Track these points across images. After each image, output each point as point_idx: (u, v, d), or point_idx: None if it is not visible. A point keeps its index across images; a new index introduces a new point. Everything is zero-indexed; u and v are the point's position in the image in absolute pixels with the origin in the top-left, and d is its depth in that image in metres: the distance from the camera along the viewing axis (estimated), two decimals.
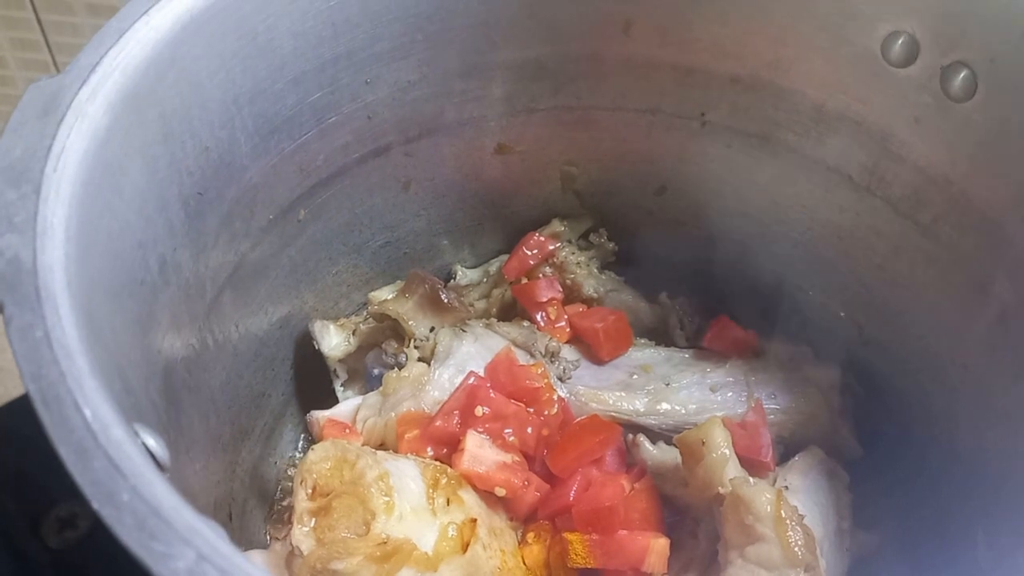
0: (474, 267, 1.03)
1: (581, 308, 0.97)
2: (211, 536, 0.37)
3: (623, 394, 0.90)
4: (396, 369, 0.86)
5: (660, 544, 0.76)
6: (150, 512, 0.37)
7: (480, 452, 0.80)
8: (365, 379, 0.93)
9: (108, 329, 0.52)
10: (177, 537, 0.37)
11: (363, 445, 0.82)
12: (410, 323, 0.90)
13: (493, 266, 1.02)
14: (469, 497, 0.77)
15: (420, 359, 0.87)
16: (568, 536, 0.78)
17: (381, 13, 0.75)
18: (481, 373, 0.85)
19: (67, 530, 0.52)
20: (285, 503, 0.89)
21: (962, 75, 0.70)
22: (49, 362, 0.42)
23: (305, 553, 0.68)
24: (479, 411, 0.81)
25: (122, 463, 0.39)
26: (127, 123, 0.57)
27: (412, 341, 0.89)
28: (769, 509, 0.70)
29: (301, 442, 0.97)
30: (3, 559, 0.51)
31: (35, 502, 0.53)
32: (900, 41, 0.73)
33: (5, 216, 0.47)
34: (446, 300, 0.91)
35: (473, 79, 0.85)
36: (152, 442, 0.46)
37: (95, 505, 0.37)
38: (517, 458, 0.81)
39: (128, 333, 0.57)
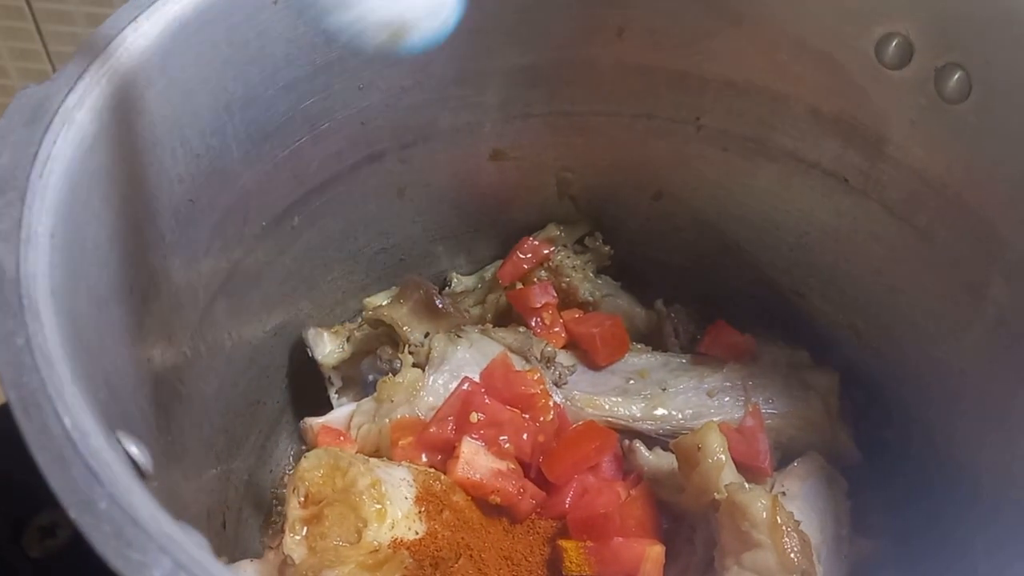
0: (469, 274, 1.02)
1: (577, 314, 0.97)
2: (189, 545, 0.37)
3: (619, 399, 0.89)
4: (391, 375, 0.86)
5: (656, 551, 0.75)
6: (128, 520, 0.37)
7: (475, 459, 0.79)
8: (360, 386, 0.93)
9: (95, 337, 0.52)
10: (154, 545, 0.36)
11: (357, 452, 0.81)
12: (405, 329, 0.89)
13: (488, 272, 1.01)
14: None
15: (415, 365, 0.87)
16: (563, 544, 0.78)
17: None
18: (476, 379, 0.85)
19: (48, 539, 0.51)
20: (281, 511, 0.89)
21: (956, 77, 0.70)
22: (30, 369, 0.42)
23: (297, 562, 0.68)
24: (474, 417, 0.80)
25: (101, 471, 0.39)
26: (115, 130, 0.57)
27: (407, 347, 0.89)
28: (765, 515, 0.69)
29: (296, 450, 0.96)
30: None
31: (18, 509, 0.52)
32: (894, 43, 0.72)
33: None
34: (441, 306, 0.90)
35: (467, 85, 0.85)
36: (135, 450, 0.45)
37: (72, 513, 0.37)
38: (512, 465, 0.81)
39: (116, 341, 0.57)
